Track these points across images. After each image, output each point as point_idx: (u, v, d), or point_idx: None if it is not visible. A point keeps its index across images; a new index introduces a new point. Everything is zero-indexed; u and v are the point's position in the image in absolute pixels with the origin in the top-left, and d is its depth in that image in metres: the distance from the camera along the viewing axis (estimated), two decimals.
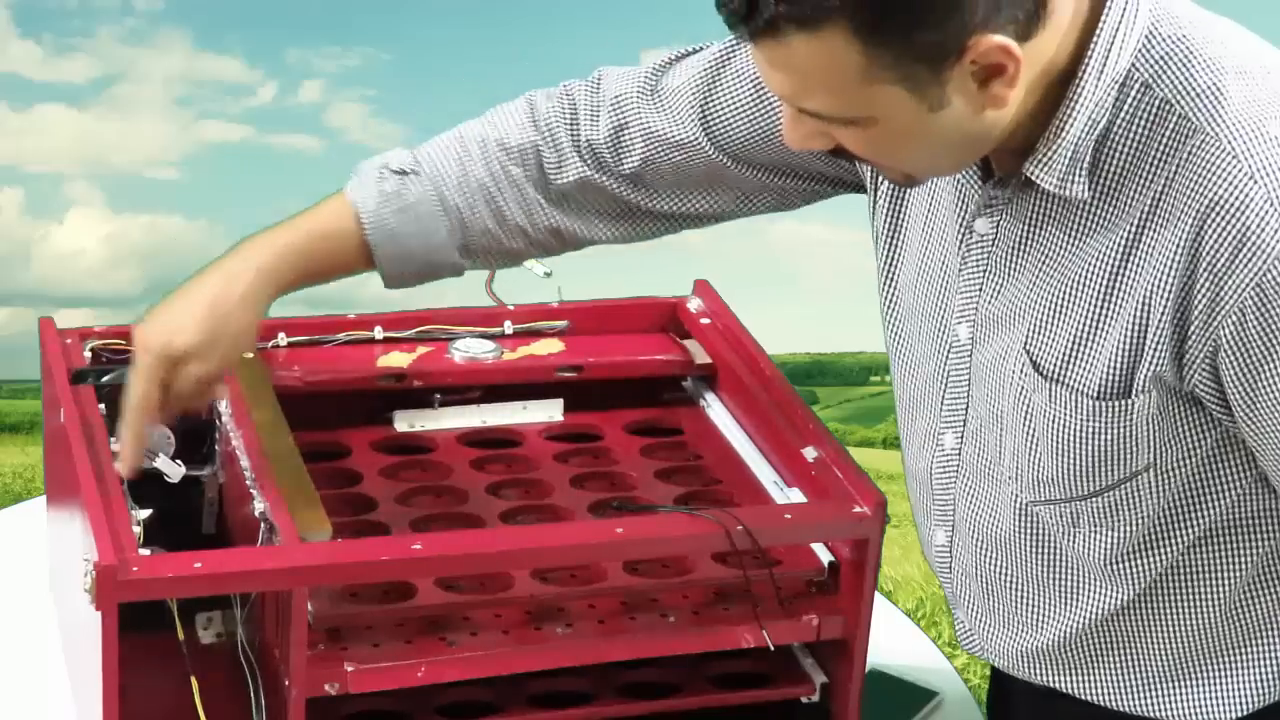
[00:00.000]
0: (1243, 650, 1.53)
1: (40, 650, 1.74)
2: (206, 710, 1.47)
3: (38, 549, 1.84)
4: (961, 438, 1.53)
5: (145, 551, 1.43)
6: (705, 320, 1.87)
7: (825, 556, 1.63)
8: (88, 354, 1.70)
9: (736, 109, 1.58)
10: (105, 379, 1.65)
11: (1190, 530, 1.46)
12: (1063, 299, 1.41)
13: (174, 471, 1.60)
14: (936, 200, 1.50)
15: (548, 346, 1.83)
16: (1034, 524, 1.51)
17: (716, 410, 1.82)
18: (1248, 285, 1.31)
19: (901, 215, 1.55)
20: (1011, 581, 1.56)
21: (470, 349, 1.80)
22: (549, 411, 1.82)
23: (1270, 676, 1.54)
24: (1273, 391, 1.35)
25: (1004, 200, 1.43)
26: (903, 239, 1.56)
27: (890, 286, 1.59)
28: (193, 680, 1.49)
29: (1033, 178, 1.38)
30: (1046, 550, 1.52)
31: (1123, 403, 1.39)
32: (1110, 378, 1.39)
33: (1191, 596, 1.51)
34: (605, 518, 1.63)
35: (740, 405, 1.80)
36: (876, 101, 1.28)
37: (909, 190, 1.53)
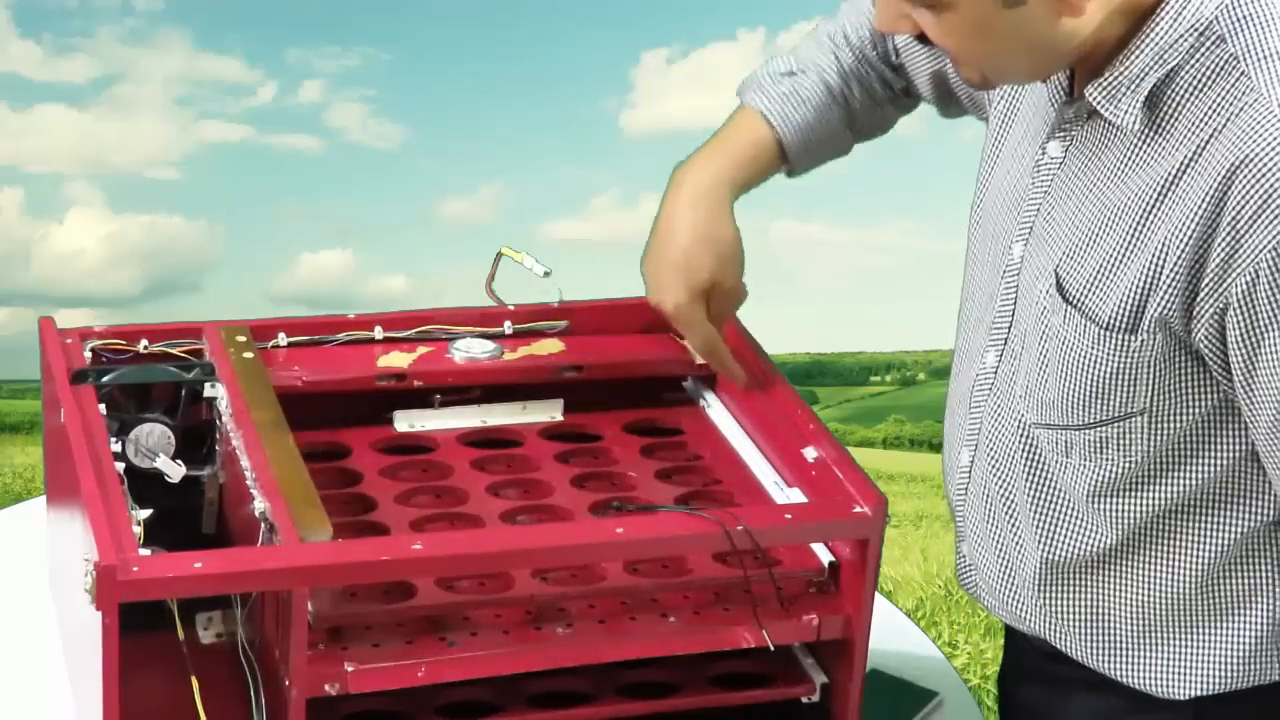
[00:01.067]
0: (1212, 627, 1.56)
1: (40, 650, 1.74)
2: (206, 710, 1.48)
3: (38, 549, 1.84)
4: (1001, 356, 1.58)
5: (145, 551, 1.43)
6: None
7: (825, 556, 1.63)
8: (88, 354, 1.70)
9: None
10: (105, 379, 1.65)
11: (1176, 488, 1.49)
12: (1099, 228, 1.46)
13: (174, 471, 1.61)
14: (1029, 125, 1.56)
15: (548, 346, 1.83)
16: (1032, 447, 1.56)
17: (716, 410, 1.82)
18: (1265, 246, 1.34)
19: (1002, 140, 1.62)
20: (1006, 502, 1.60)
21: (470, 349, 1.80)
22: (549, 411, 1.82)
23: (1237, 658, 1.56)
24: (1272, 359, 1.37)
25: (1077, 125, 1.49)
26: (995, 162, 1.62)
27: (978, 209, 1.65)
28: (193, 680, 1.49)
29: (1090, 100, 1.43)
30: (1039, 474, 1.56)
31: (1127, 338, 1.43)
32: (1121, 310, 1.43)
33: (1169, 560, 1.54)
34: (605, 518, 1.63)
35: (740, 405, 1.80)
36: None
37: (1016, 116, 1.59)
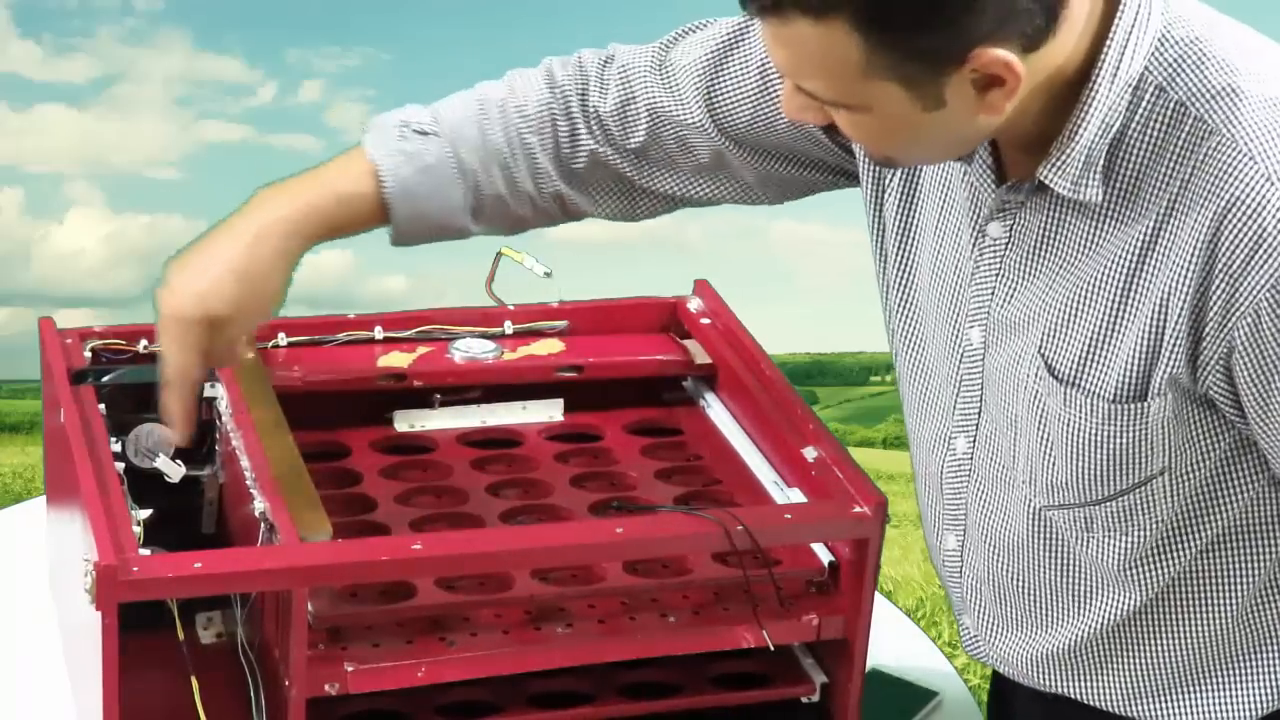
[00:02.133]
0: (1254, 657, 1.53)
1: (40, 650, 1.74)
2: (206, 710, 1.48)
3: (38, 549, 1.84)
4: (974, 442, 1.53)
5: (145, 551, 1.43)
6: (705, 320, 1.87)
7: (825, 556, 1.63)
8: (88, 354, 1.70)
9: (741, 95, 1.58)
10: (105, 379, 1.65)
11: (1204, 534, 1.46)
12: (1078, 302, 1.41)
13: (174, 471, 1.60)
14: (949, 203, 1.50)
15: (548, 346, 1.83)
16: (1047, 528, 1.51)
17: (716, 410, 1.82)
18: (1263, 287, 1.30)
19: (914, 216, 1.55)
20: (1024, 586, 1.56)
21: (470, 349, 1.80)
22: (549, 411, 1.82)
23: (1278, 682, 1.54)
24: None
25: (1017, 204, 1.43)
26: (916, 240, 1.55)
27: (903, 288, 1.58)
28: (193, 680, 1.49)
29: (1046, 182, 1.37)
30: (1060, 555, 1.52)
31: (1139, 406, 1.39)
32: (1126, 380, 1.39)
33: (1205, 602, 1.50)
34: (605, 518, 1.63)
35: (740, 405, 1.80)
36: (872, 94, 1.29)
37: (919, 190, 1.53)
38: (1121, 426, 1.40)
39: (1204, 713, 1.55)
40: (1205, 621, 1.51)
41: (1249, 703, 1.54)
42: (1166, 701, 1.56)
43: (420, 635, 1.52)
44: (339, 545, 1.48)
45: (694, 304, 1.89)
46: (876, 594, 1.62)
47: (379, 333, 1.80)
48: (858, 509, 1.57)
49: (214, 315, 1.49)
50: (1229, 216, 1.31)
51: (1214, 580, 1.49)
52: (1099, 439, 1.41)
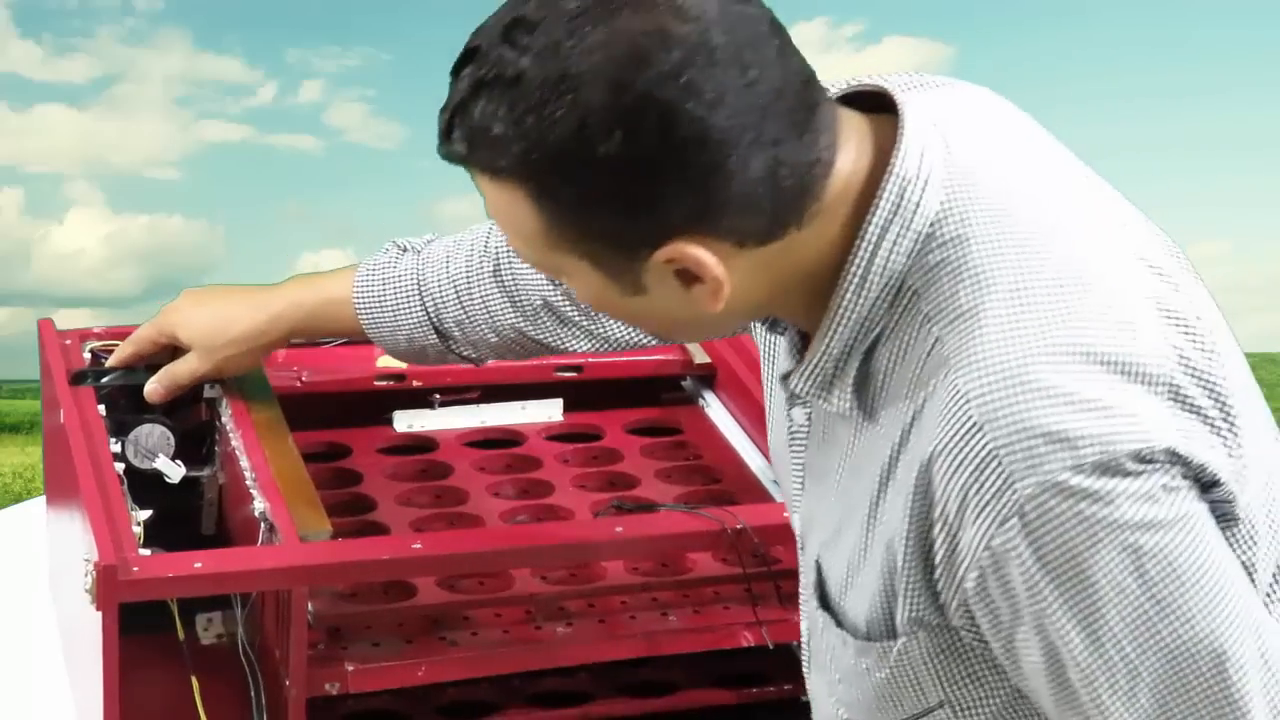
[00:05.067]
0: None
1: (40, 650, 1.74)
2: (206, 710, 1.48)
3: (38, 549, 1.84)
4: (809, 629, 1.34)
5: (145, 551, 1.43)
6: None
7: None
8: (87, 354, 1.70)
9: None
10: (105, 379, 1.65)
11: None
12: (842, 520, 1.22)
13: (174, 471, 1.61)
14: (773, 383, 1.34)
15: None
16: None
17: (716, 410, 1.82)
18: (979, 546, 1.10)
19: (768, 394, 1.38)
20: None
21: None
22: (549, 411, 1.83)
23: None
24: (1029, 651, 1.14)
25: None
26: (770, 412, 1.38)
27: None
28: (193, 680, 1.49)
29: (797, 391, 1.20)
30: None
31: (888, 644, 1.19)
32: (872, 618, 1.20)
33: None
34: (605, 517, 1.63)
35: (740, 405, 1.80)
36: (565, 267, 1.14)
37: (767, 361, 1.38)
38: (878, 662, 1.21)
39: None
40: None
41: None
42: None
43: (420, 635, 1.52)
44: (339, 545, 1.48)
45: None
46: None
47: None
48: None
49: (172, 338, 1.65)
50: (935, 465, 1.11)
51: None
52: (860, 671, 1.23)
